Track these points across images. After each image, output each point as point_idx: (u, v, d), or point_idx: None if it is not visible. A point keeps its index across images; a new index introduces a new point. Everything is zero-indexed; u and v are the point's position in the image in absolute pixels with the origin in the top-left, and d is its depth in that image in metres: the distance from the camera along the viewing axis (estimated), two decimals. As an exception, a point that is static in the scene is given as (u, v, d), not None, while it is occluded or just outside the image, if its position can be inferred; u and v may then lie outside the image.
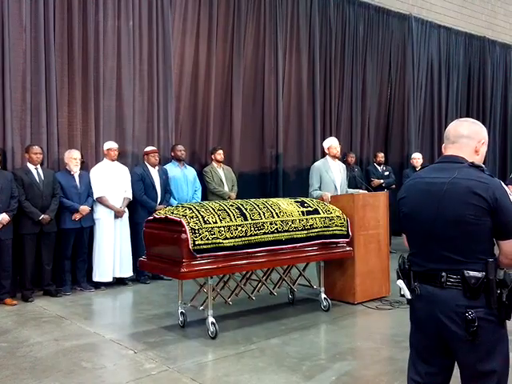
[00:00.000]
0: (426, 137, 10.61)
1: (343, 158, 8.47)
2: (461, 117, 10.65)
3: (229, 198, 6.65)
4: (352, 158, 8.42)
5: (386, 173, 8.56)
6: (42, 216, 5.42)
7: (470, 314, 1.97)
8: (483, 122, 2.29)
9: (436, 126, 10.64)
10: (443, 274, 2.03)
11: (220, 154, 7.01)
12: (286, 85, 8.38)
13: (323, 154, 5.90)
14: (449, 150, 2.18)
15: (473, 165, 2.08)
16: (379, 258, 5.31)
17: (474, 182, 2.01)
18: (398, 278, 2.22)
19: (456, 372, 2.15)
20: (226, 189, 6.93)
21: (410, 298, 2.17)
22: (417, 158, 8.38)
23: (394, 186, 8.32)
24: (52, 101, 5.92)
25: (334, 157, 5.69)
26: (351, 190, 5.66)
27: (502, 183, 2.06)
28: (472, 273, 1.98)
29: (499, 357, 2.03)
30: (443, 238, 2.04)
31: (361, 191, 5.75)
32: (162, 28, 6.87)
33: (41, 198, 5.48)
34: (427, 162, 8.64)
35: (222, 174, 7.01)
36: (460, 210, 2.00)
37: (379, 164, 8.63)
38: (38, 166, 5.56)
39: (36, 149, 5.53)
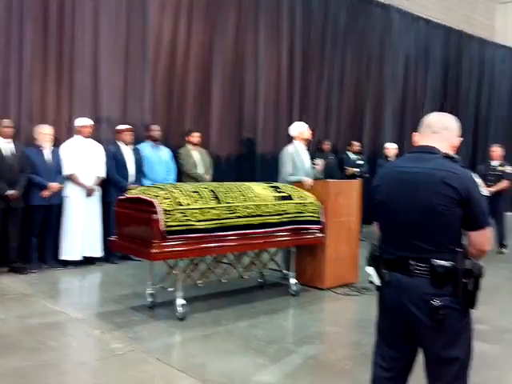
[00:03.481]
0: (401, 127, 10.71)
1: (318, 145, 8.51)
2: (435, 109, 10.82)
3: (203, 180, 6.59)
4: (327, 146, 8.46)
5: (360, 162, 8.63)
6: (10, 191, 5.28)
7: (436, 302, 2.00)
8: (456, 116, 2.34)
9: (410, 117, 10.75)
10: (412, 262, 2.06)
11: (195, 137, 6.90)
12: (267, 70, 8.30)
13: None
14: (427, 139, 2.19)
15: (446, 156, 2.10)
16: (349, 245, 5.37)
17: (447, 172, 2.03)
18: (368, 264, 2.24)
19: (419, 357, 2.19)
20: (201, 171, 6.87)
21: (378, 284, 2.20)
22: (390, 148, 8.47)
23: (367, 175, 8.40)
24: (23, 74, 5.74)
25: (306, 140, 5.67)
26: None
27: (474, 174, 2.09)
28: (440, 262, 2.01)
29: (463, 344, 2.08)
30: (414, 226, 2.07)
31: (320, 161, 5.69)
32: (141, 4, 6.70)
33: (9, 172, 5.33)
34: (399, 153, 8.73)
35: (196, 156, 6.93)
36: (432, 200, 2.02)
37: (354, 153, 8.69)
38: (9, 140, 5.40)
39: (6, 122, 5.37)
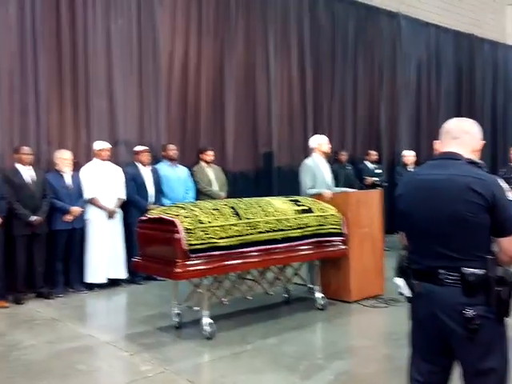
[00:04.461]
0: (417, 134, 10.66)
1: (335, 156, 8.49)
2: (451, 114, 10.74)
3: (219, 197, 6.60)
4: (344, 156, 8.44)
5: (378, 171, 8.59)
6: (33, 217, 5.35)
7: (469, 312, 1.96)
8: (473, 119, 2.30)
9: (426, 123, 10.69)
10: (442, 271, 2.02)
11: (209, 156, 6.92)
12: (278, 83, 8.36)
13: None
14: (448, 145, 2.16)
15: (470, 161, 2.08)
16: (374, 256, 5.31)
17: (472, 178, 2.00)
18: (397, 276, 2.21)
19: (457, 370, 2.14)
20: (215, 188, 6.89)
21: (409, 296, 2.16)
22: (408, 156, 8.42)
23: (386, 184, 8.35)
24: (41, 101, 5.85)
25: (324, 153, 5.66)
26: (336, 189, 5.61)
27: (500, 179, 2.05)
28: (471, 270, 1.97)
29: (499, 354, 2.03)
30: (441, 235, 2.04)
31: (349, 190, 5.70)
32: (152, 26, 6.82)
33: (31, 199, 5.41)
34: (415, 160, 8.67)
35: (210, 173, 6.94)
36: (458, 207, 1.99)
37: (372, 162, 8.66)
38: (29, 167, 5.49)
39: (26, 149, 5.46)
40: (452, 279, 2.00)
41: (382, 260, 5.39)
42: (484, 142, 2.23)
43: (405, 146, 9.82)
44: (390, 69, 10.01)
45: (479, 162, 2.10)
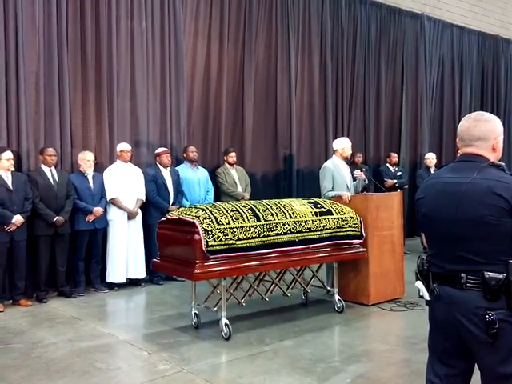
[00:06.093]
0: (439, 136, 10.53)
1: (350, 159, 8.41)
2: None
3: (242, 198, 6.64)
4: (359, 158, 8.38)
5: (399, 173, 8.51)
6: (57, 218, 5.45)
7: (490, 316, 1.93)
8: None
9: (450, 125, 10.55)
10: (463, 275, 2.00)
11: (232, 157, 7.00)
12: (299, 85, 8.36)
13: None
14: (465, 148, 2.14)
15: (493, 164, 2.04)
16: (393, 259, 5.27)
17: (495, 182, 1.97)
18: (417, 279, 2.19)
19: (476, 374, 2.11)
20: (240, 189, 6.93)
21: (428, 299, 2.14)
22: (430, 158, 8.35)
23: (406, 186, 8.27)
24: (65, 102, 5.95)
25: (345, 158, 5.66)
26: (354, 183, 5.59)
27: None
28: (492, 274, 1.95)
29: (520, 360, 1.99)
30: (462, 239, 2.01)
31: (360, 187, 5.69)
32: (174, 29, 6.89)
33: (55, 199, 5.51)
34: (438, 162, 8.57)
35: (235, 174, 7.01)
36: (480, 210, 1.97)
37: (392, 164, 8.58)
38: (53, 168, 5.59)
39: (50, 151, 5.56)
40: (473, 283, 1.98)
41: (402, 263, 5.34)
42: (500, 135, 2.10)
43: (427, 148, 9.72)
44: (412, 70, 9.92)
45: (502, 164, 2.06)
